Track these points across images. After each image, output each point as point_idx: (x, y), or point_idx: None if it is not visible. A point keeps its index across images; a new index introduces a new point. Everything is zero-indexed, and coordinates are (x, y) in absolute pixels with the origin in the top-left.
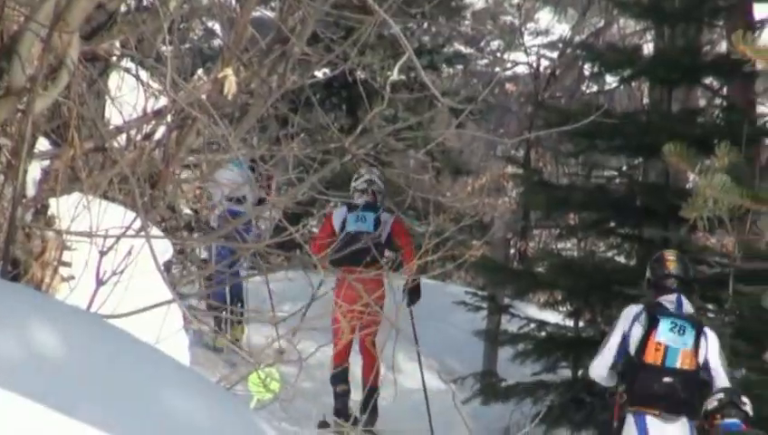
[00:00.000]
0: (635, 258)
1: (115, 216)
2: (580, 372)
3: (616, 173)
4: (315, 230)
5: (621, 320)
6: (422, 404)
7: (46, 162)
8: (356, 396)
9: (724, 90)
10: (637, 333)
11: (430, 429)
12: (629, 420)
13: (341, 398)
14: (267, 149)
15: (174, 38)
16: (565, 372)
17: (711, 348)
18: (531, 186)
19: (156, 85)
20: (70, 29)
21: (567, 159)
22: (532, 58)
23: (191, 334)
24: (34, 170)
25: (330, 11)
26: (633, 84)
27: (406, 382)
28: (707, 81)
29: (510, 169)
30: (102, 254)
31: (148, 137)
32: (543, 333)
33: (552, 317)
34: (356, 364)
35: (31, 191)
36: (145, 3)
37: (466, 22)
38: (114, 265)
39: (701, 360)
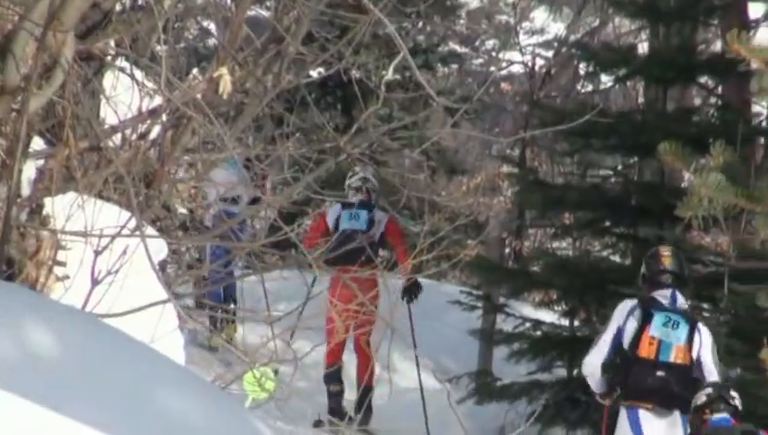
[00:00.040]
0: (630, 257)
1: (110, 215)
2: (575, 372)
3: (611, 172)
4: None
5: (616, 315)
6: (417, 404)
7: (41, 162)
8: (350, 395)
9: (719, 89)
10: (631, 327)
11: (426, 429)
12: (622, 413)
13: (335, 397)
14: (262, 149)
15: (169, 37)
16: (560, 372)
17: (704, 343)
18: (526, 185)
19: (151, 84)
20: (64, 28)
21: (562, 159)
22: (528, 57)
23: (186, 334)
24: (29, 170)
25: (324, 10)
26: (628, 83)
27: (401, 382)
28: (702, 80)
29: (505, 169)
30: (97, 253)
31: (143, 136)
32: (539, 333)
33: (548, 316)
34: (351, 363)
35: (26, 190)
36: (140, 2)
37: (461, 21)
38: (109, 264)
39: (695, 355)
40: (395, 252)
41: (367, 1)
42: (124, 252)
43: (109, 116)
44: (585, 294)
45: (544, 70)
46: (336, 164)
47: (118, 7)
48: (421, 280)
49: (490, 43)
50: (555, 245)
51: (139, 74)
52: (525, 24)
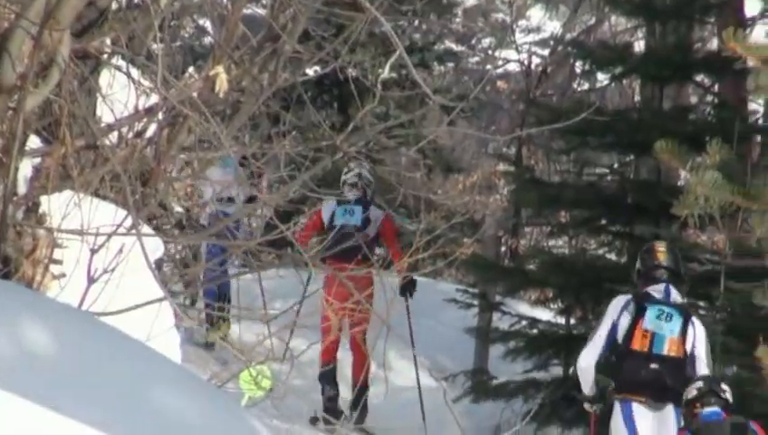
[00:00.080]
0: (626, 255)
1: (106, 213)
2: (571, 370)
3: (607, 170)
4: None
5: (610, 310)
6: (413, 402)
7: (37, 160)
8: (346, 394)
9: (716, 87)
10: (625, 321)
11: (424, 427)
12: (616, 408)
13: (330, 401)
14: (259, 147)
15: (165, 36)
16: (556, 370)
17: (698, 337)
18: (522, 183)
19: (147, 83)
20: (60, 27)
21: (558, 157)
22: (524, 55)
23: (182, 332)
24: (25, 168)
25: (321, 8)
26: (624, 82)
27: (397, 380)
28: (699, 78)
29: (501, 167)
30: (93, 251)
31: (139, 135)
32: (535, 331)
33: (544, 314)
34: (346, 362)
35: (22, 189)
36: (136, 0)
37: (457, 19)
38: (105, 262)
39: (688, 348)
40: (389, 251)
41: None
42: (120, 250)
43: (105, 114)
44: (581, 292)
45: (540, 68)
46: (332, 162)
47: (114, 6)
48: (417, 278)
49: (486, 42)
50: (551, 243)
51: (135, 73)
52: (521, 23)
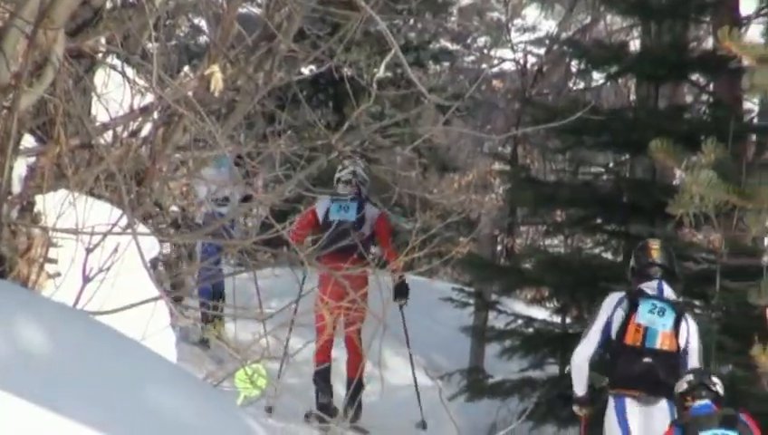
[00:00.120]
0: (621, 255)
1: (101, 213)
2: (567, 369)
3: (603, 170)
4: None
5: (604, 307)
6: (409, 401)
7: (32, 159)
8: (341, 391)
9: (711, 86)
10: (618, 317)
11: (423, 424)
12: (610, 403)
13: (324, 408)
14: (254, 146)
15: (160, 35)
16: (552, 369)
17: (691, 333)
18: (518, 182)
19: (142, 82)
20: (55, 26)
21: (554, 156)
22: (519, 55)
23: (178, 331)
24: (20, 167)
25: (316, 7)
26: (620, 81)
27: (392, 379)
28: (694, 77)
29: (497, 166)
30: (89, 251)
31: (134, 134)
32: (530, 330)
33: (539, 313)
34: (341, 360)
35: (17, 188)
36: None
37: (453, 18)
38: (101, 262)
39: (682, 343)
40: (383, 250)
41: None
42: (115, 249)
43: (100, 113)
44: (577, 291)
45: (536, 67)
46: (328, 161)
47: (109, 5)
48: (413, 277)
49: (482, 41)
50: (547, 242)
51: (130, 72)
52: (517, 22)
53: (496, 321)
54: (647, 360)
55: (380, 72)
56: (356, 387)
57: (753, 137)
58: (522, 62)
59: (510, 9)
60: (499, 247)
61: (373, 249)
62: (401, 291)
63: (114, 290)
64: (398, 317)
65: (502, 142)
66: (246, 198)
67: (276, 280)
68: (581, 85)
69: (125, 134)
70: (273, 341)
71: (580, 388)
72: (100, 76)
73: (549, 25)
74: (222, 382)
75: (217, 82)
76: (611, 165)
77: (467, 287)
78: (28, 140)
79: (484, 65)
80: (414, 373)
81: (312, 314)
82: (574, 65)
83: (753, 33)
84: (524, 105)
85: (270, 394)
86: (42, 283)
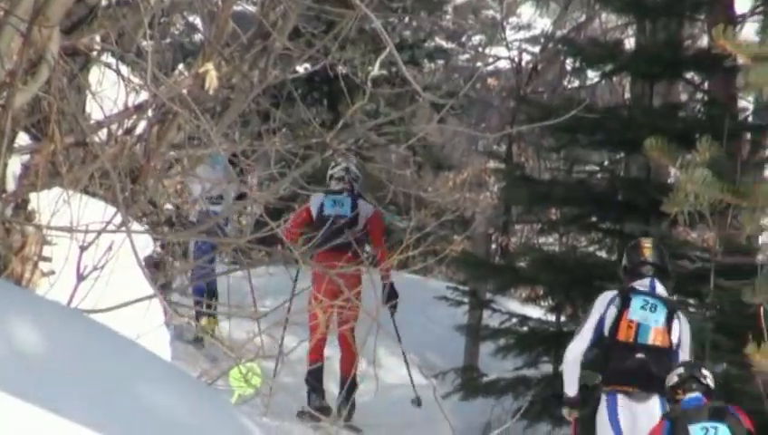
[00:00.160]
0: (616, 253)
1: (96, 211)
2: (560, 367)
3: (597, 168)
4: None
5: (597, 305)
6: (403, 399)
7: (26, 157)
8: (334, 390)
9: (706, 84)
10: (611, 314)
11: (418, 401)
12: (602, 401)
13: (316, 408)
14: (249, 144)
15: (155, 33)
16: (547, 367)
17: (683, 330)
18: (512, 181)
19: (137, 80)
20: (50, 23)
21: (549, 154)
22: (514, 53)
23: (172, 329)
24: (14, 165)
25: (311, 5)
26: (615, 79)
27: (387, 377)
28: (689, 75)
29: (491, 164)
30: (83, 249)
31: (128, 132)
32: (525, 328)
33: (534, 312)
34: (335, 359)
35: (11, 186)
36: None
37: (448, 16)
38: (95, 260)
39: (674, 339)
40: (375, 249)
41: None
42: (110, 247)
43: (94, 111)
44: (571, 289)
45: (531, 65)
46: (322, 160)
47: (103, 2)
48: (407, 275)
49: (476, 39)
50: (542, 240)
51: (124, 70)
52: (512, 20)
53: (491, 319)
54: (639, 355)
55: (375, 70)
56: (349, 386)
57: (748, 135)
58: (516, 60)
59: (505, 7)
60: (494, 246)
61: (367, 247)
62: (391, 295)
63: (108, 288)
64: (389, 317)
65: (496, 141)
66: (241, 197)
67: (271, 278)
68: (576, 83)
69: (119, 132)
70: (267, 339)
71: (570, 388)
72: (94, 74)
73: (544, 23)
74: (216, 381)
75: (212, 80)
76: (606, 163)
77: (462, 286)
78: (22, 138)
79: (478, 63)
80: (408, 368)
81: (305, 313)
82: (569, 63)
83: (748, 32)
84: (519, 103)
85: (264, 393)
86: (36, 281)
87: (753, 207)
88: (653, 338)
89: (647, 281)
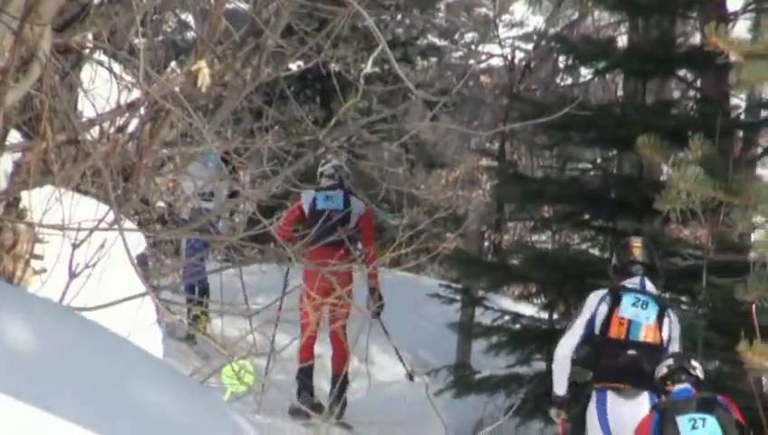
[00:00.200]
0: (609, 250)
1: (88, 208)
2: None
3: (590, 165)
4: None
5: (588, 303)
6: (395, 397)
7: (18, 155)
8: (326, 387)
9: (698, 82)
10: (602, 312)
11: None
12: (592, 398)
13: (310, 405)
14: (241, 142)
15: (147, 30)
16: (539, 365)
17: (674, 327)
18: (505, 178)
19: (129, 78)
20: (42, 21)
21: (541, 152)
22: (507, 50)
23: (164, 327)
24: (6, 163)
25: (303, 3)
26: (607, 76)
27: (379, 375)
28: (681, 73)
29: (484, 162)
30: (75, 246)
31: (121, 129)
32: (518, 326)
33: (527, 310)
34: (326, 356)
35: (2, 184)
36: None
37: (440, 14)
38: (87, 257)
39: (665, 336)
40: (365, 249)
41: None
42: (102, 245)
43: (86, 109)
44: (564, 287)
45: (524, 63)
46: (315, 157)
47: (96, 0)
48: (400, 273)
49: (469, 36)
50: (534, 238)
51: (117, 67)
52: (505, 17)
53: (483, 317)
54: (631, 352)
55: (368, 67)
56: (341, 383)
57: (740, 133)
58: (509, 57)
59: (497, 5)
60: (486, 243)
61: (359, 245)
62: (376, 300)
63: (100, 286)
64: (384, 315)
65: (489, 138)
66: (233, 194)
67: (263, 276)
68: (569, 81)
69: (112, 130)
70: (259, 337)
71: (559, 386)
72: (86, 72)
73: (536, 21)
74: (209, 378)
75: (204, 78)
76: (599, 161)
77: (454, 283)
78: (14, 136)
79: (471, 61)
80: (401, 359)
81: (297, 310)
82: (562, 61)
83: (740, 29)
84: (512, 101)
85: (257, 390)
86: (27, 279)
87: (746, 204)
88: (644, 335)
89: (636, 279)
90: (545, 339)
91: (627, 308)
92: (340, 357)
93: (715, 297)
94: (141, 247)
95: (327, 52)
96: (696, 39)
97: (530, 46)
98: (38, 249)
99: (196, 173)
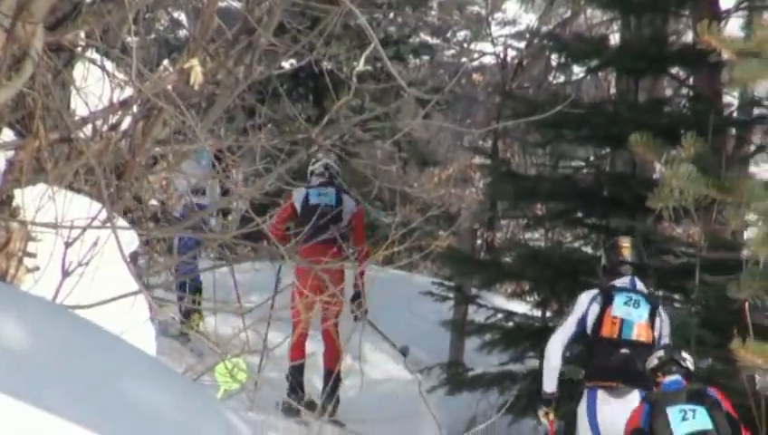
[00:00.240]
0: (601, 248)
1: (81, 207)
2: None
3: (583, 163)
4: None
5: (579, 302)
6: (388, 395)
7: (11, 153)
8: (318, 384)
9: (691, 80)
10: (594, 312)
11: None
12: (583, 397)
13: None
14: (234, 140)
15: (140, 28)
16: (532, 362)
17: (665, 325)
18: (498, 176)
19: (122, 76)
20: (34, 19)
21: (534, 150)
22: (500, 48)
23: (157, 324)
24: None
25: (296, 1)
26: (600, 74)
27: (372, 373)
28: (674, 71)
29: (477, 160)
30: (68, 245)
31: (114, 128)
32: (510, 324)
33: (519, 307)
34: (318, 353)
35: None
36: None
37: (433, 12)
38: (80, 256)
39: (657, 335)
40: (356, 248)
41: None
42: (95, 243)
43: (79, 107)
44: (557, 284)
45: (516, 61)
46: (308, 155)
47: None
48: (392, 271)
49: (462, 35)
50: (527, 236)
51: (109, 66)
52: (497, 15)
53: (476, 315)
54: (624, 351)
55: (360, 65)
56: (334, 381)
57: (733, 130)
58: (502, 55)
59: (490, 3)
60: (479, 241)
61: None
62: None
63: (93, 284)
64: (377, 311)
65: (482, 136)
66: (225, 193)
67: (256, 274)
68: (562, 79)
69: (104, 128)
70: (252, 335)
71: (549, 382)
72: (79, 70)
73: (529, 19)
74: (202, 376)
75: (197, 76)
76: (592, 159)
77: (447, 281)
78: (7, 134)
79: (464, 59)
80: (394, 345)
81: (289, 308)
82: (554, 59)
83: (733, 27)
84: (505, 99)
85: (250, 388)
86: (20, 277)
87: (738, 202)
88: (637, 334)
89: (626, 279)
90: (538, 337)
91: (619, 307)
92: (333, 355)
93: (707, 295)
94: (134, 245)
95: (320, 50)
96: (689, 37)
97: (522, 44)
98: (31, 247)
99: (189, 170)
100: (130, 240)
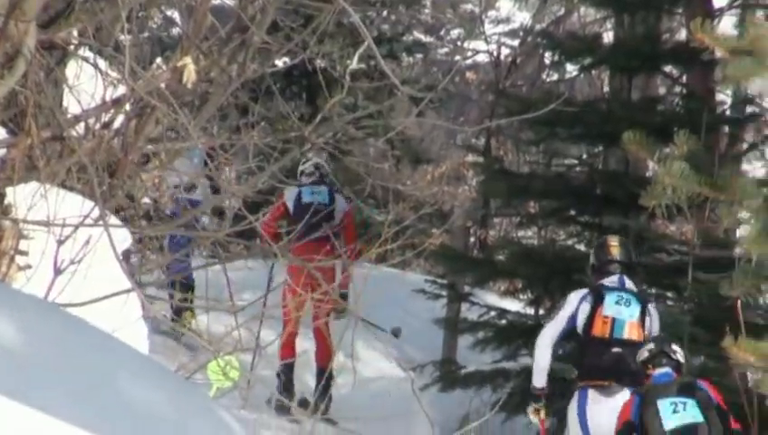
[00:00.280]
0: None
1: (73, 205)
2: None
3: (576, 161)
4: None
5: (569, 300)
6: (381, 393)
7: (3, 151)
8: (310, 382)
9: (684, 78)
10: (584, 311)
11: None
12: (574, 397)
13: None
14: (227, 138)
15: (132, 26)
16: (525, 360)
17: (654, 321)
18: (491, 174)
19: (114, 74)
20: (26, 18)
21: (527, 148)
22: (493, 46)
23: (149, 322)
24: None
25: None
26: (593, 73)
27: (364, 371)
28: (667, 69)
29: (470, 158)
30: (60, 243)
31: (106, 126)
32: (503, 321)
33: (513, 305)
34: (310, 351)
35: None
36: None
37: (426, 10)
38: (72, 253)
39: (647, 332)
40: (347, 247)
41: None
42: (87, 241)
43: (72, 105)
44: (550, 282)
45: (510, 59)
46: (301, 153)
47: None
48: (385, 269)
49: (455, 33)
50: (520, 234)
51: (102, 64)
52: (491, 13)
53: (469, 312)
54: (615, 350)
55: (354, 63)
56: (326, 379)
57: (726, 128)
58: (495, 53)
59: (483, 1)
60: (472, 239)
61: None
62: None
63: (86, 282)
64: (370, 309)
65: (475, 134)
66: (217, 190)
67: (249, 272)
68: (555, 77)
69: (97, 126)
70: (245, 333)
71: (539, 377)
72: (71, 68)
73: (523, 17)
74: (194, 374)
75: (190, 74)
76: (585, 157)
77: (440, 279)
78: None
79: (457, 57)
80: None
81: (281, 307)
82: (548, 57)
83: (726, 25)
84: (498, 97)
85: (242, 386)
86: (12, 275)
87: (731, 200)
88: (628, 332)
89: (615, 278)
90: (531, 334)
91: (610, 306)
92: (325, 353)
93: (700, 293)
94: (127, 243)
95: (313, 48)
96: (682, 35)
97: (516, 42)
98: (23, 245)
99: (181, 168)
100: (123, 238)
